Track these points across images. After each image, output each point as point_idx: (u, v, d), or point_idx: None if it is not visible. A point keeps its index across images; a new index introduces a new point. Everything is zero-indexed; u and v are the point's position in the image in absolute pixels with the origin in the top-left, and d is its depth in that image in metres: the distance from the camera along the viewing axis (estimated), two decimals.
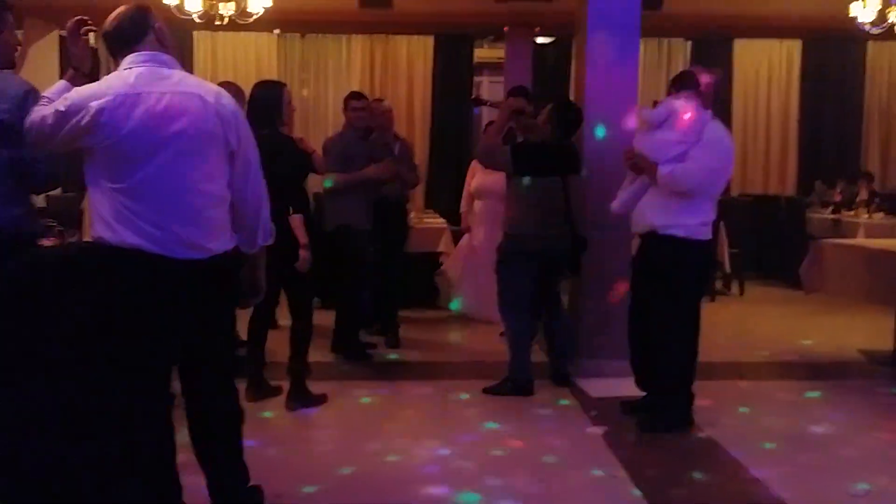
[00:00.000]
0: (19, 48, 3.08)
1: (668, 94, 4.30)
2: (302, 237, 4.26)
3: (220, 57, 9.80)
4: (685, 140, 4.05)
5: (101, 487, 2.59)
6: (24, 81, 2.97)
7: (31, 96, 2.86)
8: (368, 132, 5.71)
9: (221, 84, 4.79)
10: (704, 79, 4.27)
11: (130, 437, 2.65)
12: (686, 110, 4.08)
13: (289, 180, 4.25)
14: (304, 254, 4.27)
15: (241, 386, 4.35)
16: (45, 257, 3.03)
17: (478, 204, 6.69)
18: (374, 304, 6.05)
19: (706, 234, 4.18)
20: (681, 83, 4.21)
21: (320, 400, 4.58)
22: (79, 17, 2.75)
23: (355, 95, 5.81)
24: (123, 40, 2.65)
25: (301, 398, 4.51)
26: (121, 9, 2.69)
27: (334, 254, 5.38)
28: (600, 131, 5.15)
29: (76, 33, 2.76)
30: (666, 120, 4.11)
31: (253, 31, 8.88)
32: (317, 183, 5.85)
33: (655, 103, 4.44)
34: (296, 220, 4.26)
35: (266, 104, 4.34)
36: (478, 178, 6.55)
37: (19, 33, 9.00)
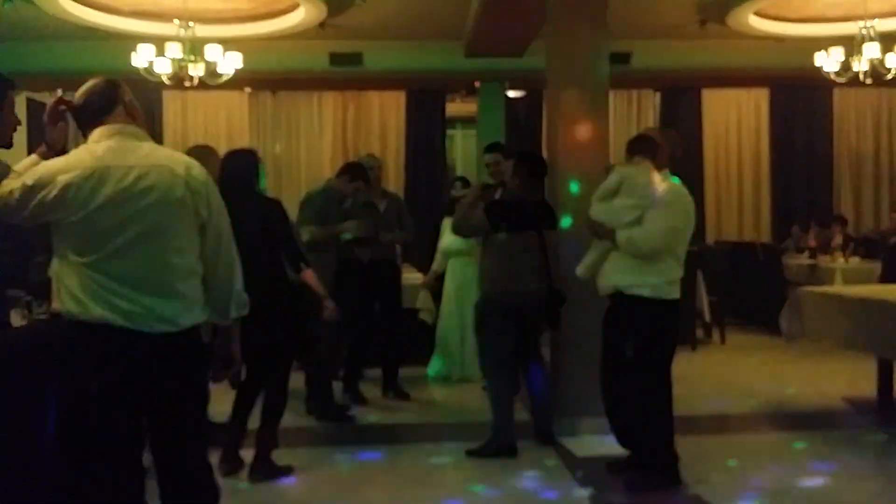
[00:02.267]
0: (18, 127, 3.01)
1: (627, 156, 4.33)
2: (319, 288, 4.50)
3: (190, 115, 9.75)
4: (640, 204, 4.08)
5: None
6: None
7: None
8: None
9: (192, 148, 4.77)
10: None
11: None
12: (638, 176, 4.12)
13: (284, 239, 4.36)
14: (327, 303, 4.55)
15: (215, 457, 4.25)
16: (10, 340, 2.95)
17: (451, 262, 6.71)
18: (350, 362, 6.01)
19: (673, 293, 4.14)
20: (635, 147, 4.23)
21: (286, 472, 4.40)
22: (58, 98, 2.70)
23: (362, 173, 5.68)
24: (93, 114, 2.61)
25: (266, 470, 4.34)
26: (90, 83, 2.65)
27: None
28: (574, 186, 5.14)
29: (55, 113, 2.70)
30: (619, 187, 4.14)
31: (224, 90, 8.86)
32: None
33: (608, 169, 4.46)
34: (309, 275, 4.43)
35: (244, 174, 4.35)
36: (447, 237, 6.60)
37: None
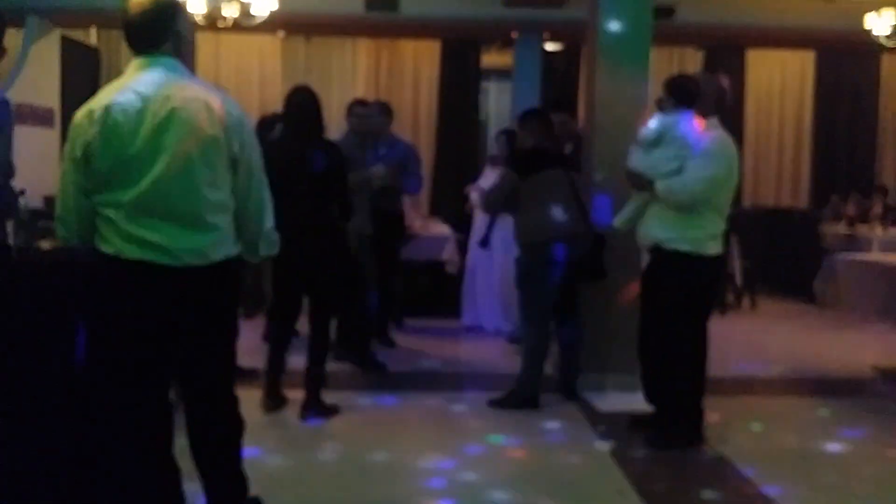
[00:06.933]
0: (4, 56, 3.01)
1: (663, 100, 4.24)
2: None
3: (223, 58, 9.68)
4: (680, 154, 3.99)
5: (102, 495, 2.59)
6: None
7: (5, 108, 2.78)
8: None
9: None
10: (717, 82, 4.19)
11: (129, 446, 2.61)
12: (679, 125, 4.03)
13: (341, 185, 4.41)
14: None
15: (255, 394, 4.32)
16: (36, 263, 2.97)
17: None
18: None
19: (713, 248, 4.06)
20: (677, 94, 4.10)
21: (333, 411, 4.46)
22: None
23: (360, 102, 5.78)
24: (138, 40, 2.57)
25: (316, 408, 4.41)
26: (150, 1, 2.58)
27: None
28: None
29: None
30: (659, 138, 4.06)
31: (257, 33, 8.77)
32: None
33: (659, 101, 4.37)
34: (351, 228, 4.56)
35: (310, 113, 4.41)
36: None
37: (21, 31, 8.91)
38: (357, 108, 5.58)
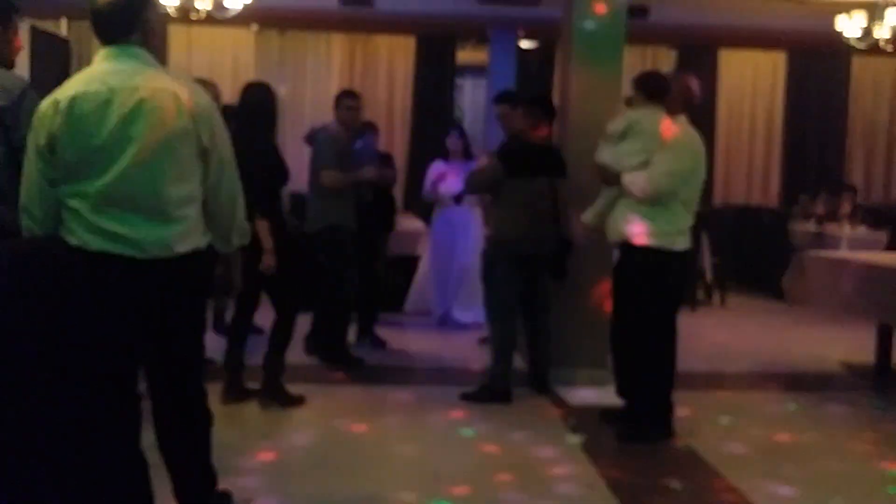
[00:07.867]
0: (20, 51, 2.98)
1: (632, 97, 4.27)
2: (266, 242, 4.23)
3: (195, 52, 9.57)
4: (647, 148, 4.02)
5: (70, 489, 2.56)
6: (19, 77, 2.89)
7: (27, 93, 2.74)
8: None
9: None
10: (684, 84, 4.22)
11: (96, 439, 2.58)
12: (644, 120, 4.06)
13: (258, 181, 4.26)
14: (268, 259, 4.25)
15: (217, 387, 4.27)
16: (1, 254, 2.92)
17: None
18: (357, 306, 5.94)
19: (681, 243, 4.09)
20: (645, 89, 4.13)
21: (297, 401, 4.47)
22: None
23: (350, 94, 5.61)
24: (107, 30, 2.54)
25: (275, 396, 4.41)
26: None
27: (319, 255, 5.25)
28: None
29: None
30: (626, 131, 4.09)
31: (230, 27, 8.70)
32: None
33: (628, 100, 4.40)
34: (262, 225, 4.21)
35: (265, 109, 4.38)
36: (450, 182, 6.43)
37: None
38: (347, 100, 5.42)
